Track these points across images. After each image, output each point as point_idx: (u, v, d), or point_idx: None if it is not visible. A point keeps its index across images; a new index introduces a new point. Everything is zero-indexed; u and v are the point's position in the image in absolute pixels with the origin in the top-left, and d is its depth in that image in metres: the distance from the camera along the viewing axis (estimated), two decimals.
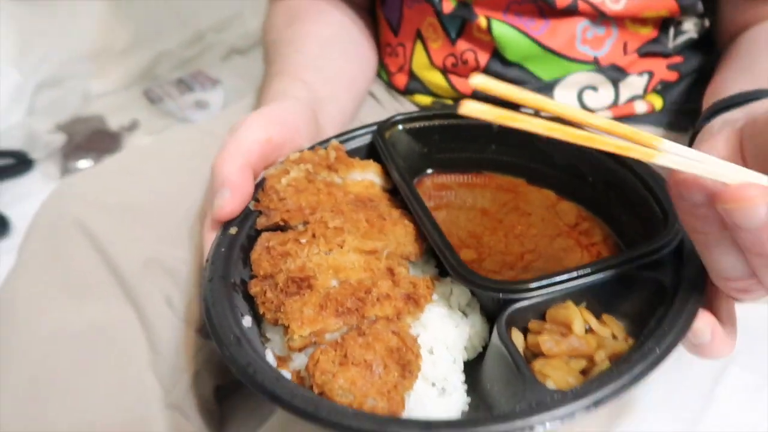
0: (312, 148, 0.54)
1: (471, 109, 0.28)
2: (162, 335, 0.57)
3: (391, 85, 0.77)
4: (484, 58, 0.67)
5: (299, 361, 0.41)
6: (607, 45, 0.65)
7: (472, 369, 0.43)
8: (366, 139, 0.58)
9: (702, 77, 0.70)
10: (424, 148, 0.59)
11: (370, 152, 0.57)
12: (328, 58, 0.69)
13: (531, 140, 0.57)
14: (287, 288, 0.42)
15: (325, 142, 0.55)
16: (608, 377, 0.33)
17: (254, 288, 0.44)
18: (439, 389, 0.41)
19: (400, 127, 0.58)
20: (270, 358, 0.42)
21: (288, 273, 0.42)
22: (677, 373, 0.57)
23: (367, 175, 0.54)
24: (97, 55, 1.30)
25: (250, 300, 0.45)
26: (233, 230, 0.48)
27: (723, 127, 0.42)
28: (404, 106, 0.76)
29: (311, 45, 0.69)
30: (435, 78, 0.71)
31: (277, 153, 0.51)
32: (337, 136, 0.57)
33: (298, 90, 0.61)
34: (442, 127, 0.59)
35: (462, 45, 0.68)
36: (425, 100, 0.74)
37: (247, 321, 0.43)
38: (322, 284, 0.42)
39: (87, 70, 1.30)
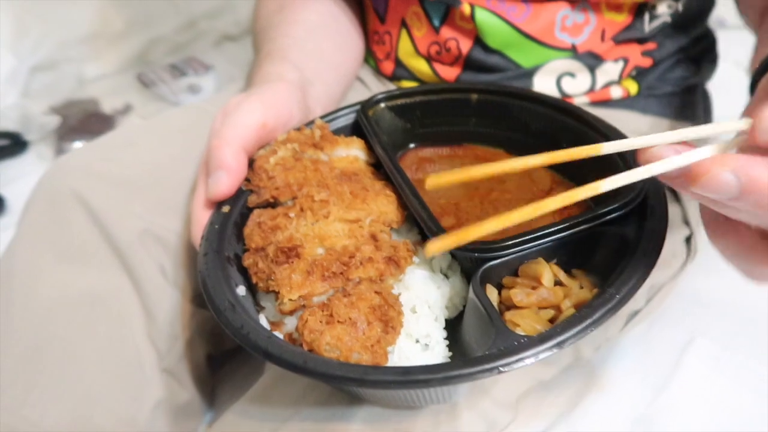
0: (298, 128, 0.57)
1: (435, 249, 0.32)
2: (157, 303, 0.60)
3: (378, 72, 0.79)
4: (466, 45, 0.70)
5: (291, 324, 0.44)
6: (586, 32, 0.67)
7: (454, 327, 0.46)
8: (350, 118, 0.60)
9: (676, 63, 0.72)
10: (407, 124, 0.62)
11: (355, 130, 0.60)
12: (315, 41, 0.71)
13: (508, 111, 0.59)
14: (277, 258, 0.45)
15: (310, 123, 0.58)
16: (571, 322, 0.36)
17: (247, 260, 0.47)
18: (422, 345, 0.44)
19: (383, 104, 0.61)
20: (264, 323, 0.45)
21: (277, 244, 0.45)
22: (647, 344, 0.60)
23: (352, 151, 0.57)
24: (92, 40, 1.32)
25: (244, 272, 0.48)
26: (226, 208, 0.50)
27: (758, 93, 0.41)
28: None
29: (299, 30, 0.71)
30: (420, 65, 0.74)
31: (270, 136, 0.54)
32: (322, 117, 0.60)
33: (288, 71, 0.63)
34: (423, 103, 0.61)
35: (445, 33, 0.70)
36: (412, 85, 0.76)
37: (241, 290, 0.46)
38: (309, 252, 0.45)
39: (81, 54, 1.32)
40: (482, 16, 0.66)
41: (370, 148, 0.57)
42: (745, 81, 0.50)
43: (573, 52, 0.68)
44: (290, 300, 0.42)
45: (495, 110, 0.60)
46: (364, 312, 0.40)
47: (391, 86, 0.79)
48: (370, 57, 0.81)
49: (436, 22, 0.70)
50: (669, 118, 0.72)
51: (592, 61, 0.68)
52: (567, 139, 0.55)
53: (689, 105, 0.74)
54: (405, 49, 0.74)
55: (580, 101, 0.71)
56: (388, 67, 0.77)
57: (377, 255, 0.44)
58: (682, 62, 0.72)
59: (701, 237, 0.69)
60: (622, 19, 0.67)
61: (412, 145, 0.62)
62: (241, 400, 0.51)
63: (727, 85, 0.84)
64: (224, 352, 0.69)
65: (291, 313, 0.43)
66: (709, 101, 0.79)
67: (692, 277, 0.70)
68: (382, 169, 0.55)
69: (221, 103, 0.59)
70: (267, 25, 0.74)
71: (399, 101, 0.61)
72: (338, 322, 0.39)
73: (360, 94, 0.77)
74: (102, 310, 0.58)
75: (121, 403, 0.57)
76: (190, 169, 0.64)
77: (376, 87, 0.79)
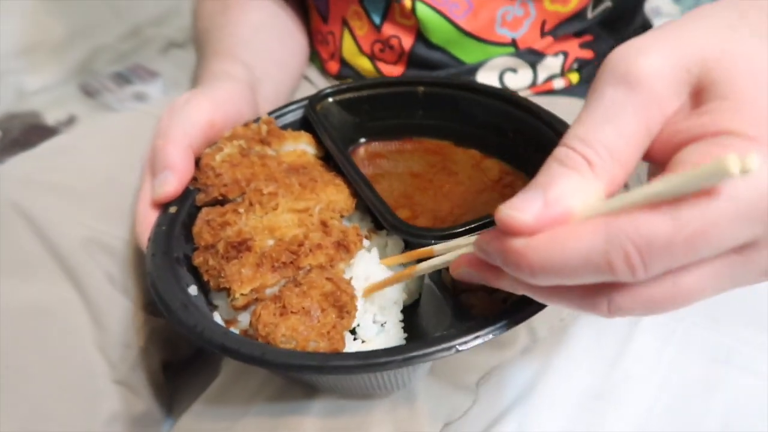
0: (245, 124, 0.56)
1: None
2: (105, 312, 0.58)
3: (325, 71, 0.79)
4: (408, 42, 0.70)
5: (245, 321, 0.43)
6: (525, 25, 0.68)
7: (410, 315, 0.47)
8: (298, 114, 0.60)
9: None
10: (356, 119, 0.62)
11: (303, 126, 0.59)
12: (262, 40, 0.71)
13: (455, 104, 0.60)
14: (227, 253, 0.44)
15: (257, 119, 0.58)
16: (522, 302, 0.37)
17: (197, 259, 0.46)
18: (378, 327, 0.44)
19: (331, 99, 0.61)
20: (218, 321, 0.44)
21: (227, 239, 0.45)
22: (600, 321, 0.62)
23: (300, 145, 0.56)
24: (31, 51, 1.27)
25: (195, 273, 0.47)
26: (173, 209, 0.49)
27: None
28: None
29: (244, 29, 0.70)
30: (364, 64, 0.74)
31: (219, 136, 0.53)
32: (270, 113, 0.59)
33: (237, 70, 0.62)
34: (371, 97, 0.61)
35: (387, 30, 0.70)
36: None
37: (192, 290, 0.45)
38: (259, 245, 0.44)
39: (21, 66, 1.27)
40: (423, 11, 0.67)
41: (318, 142, 0.57)
42: None
43: (514, 48, 0.69)
44: (242, 295, 0.41)
45: (442, 103, 0.61)
46: (317, 300, 0.39)
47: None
48: (315, 57, 0.81)
49: (377, 20, 0.70)
50: None
51: (533, 57, 0.70)
52: (514, 129, 0.56)
53: None
54: (349, 48, 0.74)
55: (523, 95, 0.72)
56: (334, 66, 0.77)
57: (326, 241, 0.44)
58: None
59: None
60: (569, 10, 0.68)
61: (362, 140, 0.62)
62: (197, 402, 0.49)
63: None
64: (181, 359, 0.68)
65: (244, 308, 0.42)
66: None
67: None
68: (332, 162, 0.55)
69: (167, 106, 0.57)
70: (210, 26, 0.73)
71: (347, 95, 0.61)
72: (292, 312, 0.39)
73: (307, 92, 0.77)
74: (49, 322, 0.55)
75: (73, 417, 0.55)
76: (135, 174, 0.62)
77: (324, 86, 0.79)
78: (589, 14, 0.70)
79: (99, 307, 0.57)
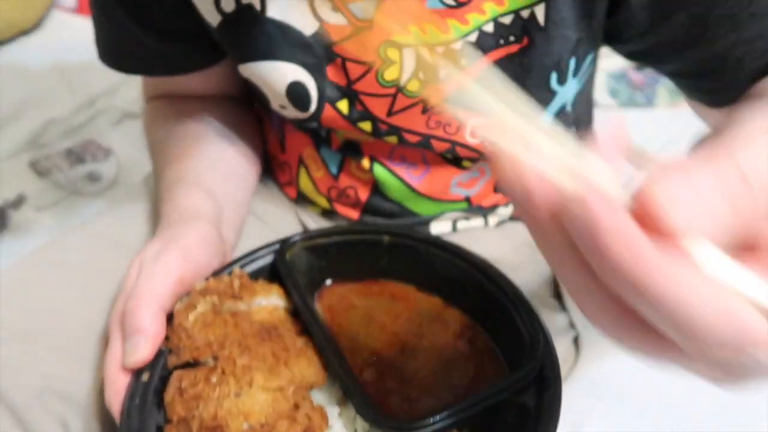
0: (217, 272, 0.57)
1: None
2: None
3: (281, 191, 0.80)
4: (364, 194, 0.72)
5: None
6: (480, 184, 0.72)
7: None
8: (268, 260, 0.61)
9: None
10: (323, 261, 0.64)
11: (273, 270, 0.61)
12: (221, 155, 0.70)
13: (417, 254, 0.63)
14: None
15: (228, 267, 0.59)
16: None
17: None
18: None
19: (300, 245, 0.63)
20: None
21: (201, 422, 0.46)
22: None
23: (271, 299, 0.58)
24: None
25: None
26: (145, 376, 0.49)
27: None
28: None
29: (202, 145, 0.70)
30: (322, 202, 0.75)
31: (187, 289, 0.54)
32: (239, 259, 0.60)
33: (202, 202, 0.62)
34: (338, 242, 0.64)
35: (344, 181, 0.72)
36: (316, 209, 0.78)
37: None
38: (234, 430, 0.45)
39: None
40: (380, 171, 0.70)
41: (288, 293, 0.59)
42: None
43: (467, 204, 0.73)
44: None
45: (405, 252, 0.63)
46: None
47: (295, 206, 0.80)
48: (271, 179, 0.80)
49: (334, 170, 0.72)
50: None
51: (486, 210, 0.74)
52: (473, 287, 0.59)
53: None
54: (306, 185, 0.75)
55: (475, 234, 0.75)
56: (292, 192, 0.78)
57: (292, 430, 0.45)
58: None
59: (585, 333, 0.75)
60: None
61: (328, 282, 0.64)
62: None
63: None
64: None
65: None
66: None
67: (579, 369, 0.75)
68: (301, 317, 0.56)
69: (114, 222, 0.57)
70: (165, 138, 0.72)
71: (316, 241, 0.64)
72: None
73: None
74: None
75: None
76: (90, 308, 0.61)
77: (282, 203, 0.79)
78: None
79: None
